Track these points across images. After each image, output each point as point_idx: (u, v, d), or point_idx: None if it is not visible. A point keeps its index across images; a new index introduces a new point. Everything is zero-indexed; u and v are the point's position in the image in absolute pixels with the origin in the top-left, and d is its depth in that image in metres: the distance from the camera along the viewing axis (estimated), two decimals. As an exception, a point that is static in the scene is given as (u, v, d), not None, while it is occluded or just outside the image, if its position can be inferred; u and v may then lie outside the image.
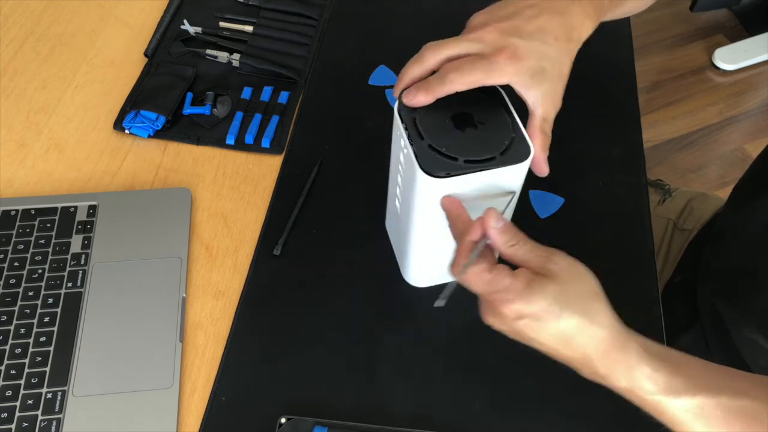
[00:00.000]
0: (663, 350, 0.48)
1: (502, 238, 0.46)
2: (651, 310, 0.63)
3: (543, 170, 0.52)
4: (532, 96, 0.50)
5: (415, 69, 0.51)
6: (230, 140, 0.73)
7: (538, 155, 0.51)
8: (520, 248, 0.46)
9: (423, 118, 0.49)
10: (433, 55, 0.50)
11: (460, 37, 0.51)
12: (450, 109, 0.50)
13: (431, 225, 0.54)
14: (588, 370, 0.47)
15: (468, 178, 0.48)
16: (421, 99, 0.49)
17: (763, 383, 0.49)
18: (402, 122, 0.50)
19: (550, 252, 0.46)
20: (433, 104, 0.49)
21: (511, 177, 0.50)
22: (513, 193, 0.52)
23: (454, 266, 0.47)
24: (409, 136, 0.49)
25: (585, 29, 0.53)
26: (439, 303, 0.48)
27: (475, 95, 0.50)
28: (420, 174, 0.48)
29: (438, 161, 0.48)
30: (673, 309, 0.63)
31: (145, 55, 0.80)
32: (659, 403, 0.47)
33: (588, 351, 0.46)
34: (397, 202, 0.59)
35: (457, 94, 0.49)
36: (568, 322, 0.45)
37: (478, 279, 0.45)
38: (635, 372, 0.47)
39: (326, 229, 0.67)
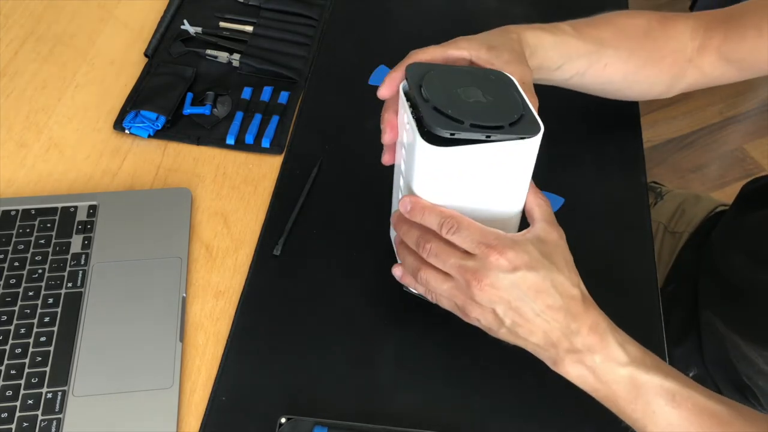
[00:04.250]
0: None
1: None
2: (651, 309, 0.63)
3: None
4: (498, 66, 0.53)
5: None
6: (230, 140, 0.73)
7: None
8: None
9: (429, 86, 0.48)
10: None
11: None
12: (458, 83, 0.49)
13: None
14: (566, 340, 0.47)
15: (472, 151, 0.46)
16: (387, 83, 0.52)
17: (730, 401, 0.48)
18: (407, 99, 0.49)
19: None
20: (441, 79, 0.49)
21: (520, 156, 0.48)
22: (523, 178, 0.50)
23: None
24: (412, 110, 0.48)
25: (523, 31, 0.59)
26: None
27: (486, 77, 0.50)
28: (420, 142, 0.46)
29: (442, 121, 0.46)
30: (666, 320, 0.63)
31: (145, 55, 0.80)
32: (632, 377, 0.46)
33: (571, 310, 0.47)
34: (400, 194, 0.57)
35: (468, 74, 0.50)
36: (558, 276, 0.47)
37: (475, 227, 0.48)
38: (608, 338, 0.47)
39: (326, 229, 0.67)
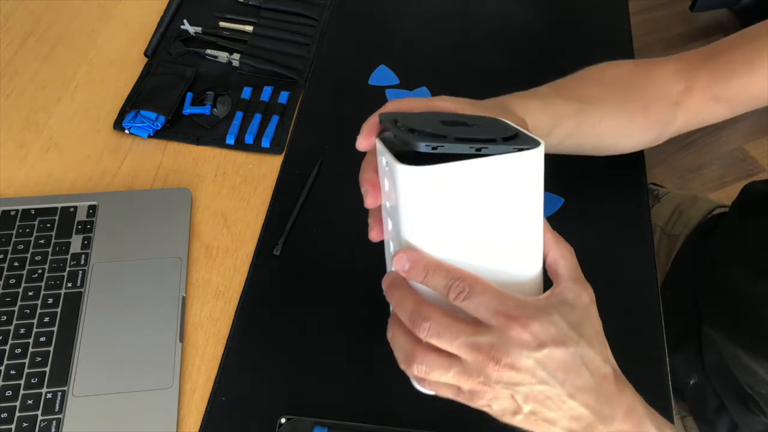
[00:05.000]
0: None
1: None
2: (651, 311, 0.63)
3: None
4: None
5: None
6: (230, 140, 0.73)
7: None
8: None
9: (406, 118, 0.42)
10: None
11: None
12: (439, 117, 0.44)
13: (421, 234, 0.41)
14: (596, 427, 0.41)
15: (462, 169, 0.38)
16: (364, 131, 0.44)
17: None
18: (382, 143, 0.42)
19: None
20: (419, 115, 0.43)
21: (523, 176, 0.39)
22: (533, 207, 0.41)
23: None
24: (388, 147, 0.41)
25: (509, 99, 0.56)
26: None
27: (472, 117, 0.46)
28: (401, 169, 0.38)
29: (421, 137, 0.38)
30: (665, 326, 0.62)
31: (145, 55, 0.80)
32: None
33: (604, 392, 0.41)
34: (390, 246, 0.46)
35: (450, 114, 0.45)
36: (588, 351, 0.40)
37: (491, 291, 0.39)
38: (646, 424, 0.42)
39: (326, 229, 0.67)
